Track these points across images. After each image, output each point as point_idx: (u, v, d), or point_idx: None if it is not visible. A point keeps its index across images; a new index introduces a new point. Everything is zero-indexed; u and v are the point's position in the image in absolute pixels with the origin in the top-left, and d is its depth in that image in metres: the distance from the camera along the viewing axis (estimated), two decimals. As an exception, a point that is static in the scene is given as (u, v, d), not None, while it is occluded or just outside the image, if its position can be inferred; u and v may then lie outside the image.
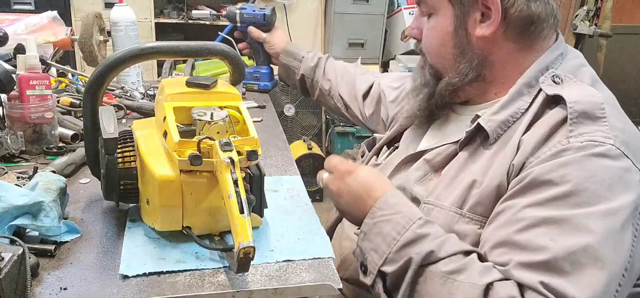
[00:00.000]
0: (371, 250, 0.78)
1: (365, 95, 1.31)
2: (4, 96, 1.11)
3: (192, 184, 0.76)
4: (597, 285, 0.66)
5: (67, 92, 1.41)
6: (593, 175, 0.70)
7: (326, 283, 0.74)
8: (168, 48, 0.86)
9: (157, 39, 3.16)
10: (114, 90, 1.46)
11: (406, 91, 1.12)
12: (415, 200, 0.86)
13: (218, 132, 0.79)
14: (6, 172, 0.99)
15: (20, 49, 1.31)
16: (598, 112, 0.74)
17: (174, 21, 3.34)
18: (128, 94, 1.45)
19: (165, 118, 0.79)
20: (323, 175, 0.90)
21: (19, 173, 0.98)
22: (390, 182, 0.88)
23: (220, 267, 0.75)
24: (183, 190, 0.76)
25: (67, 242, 0.78)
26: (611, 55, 3.56)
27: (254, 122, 0.84)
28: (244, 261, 0.68)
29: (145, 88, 1.52)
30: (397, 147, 1.04)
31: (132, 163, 0.82)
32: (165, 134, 0.79)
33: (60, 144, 1.13)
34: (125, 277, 0.72)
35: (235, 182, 0.71)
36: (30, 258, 0.68)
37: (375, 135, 1.16)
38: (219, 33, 1.60)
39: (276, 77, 1.65)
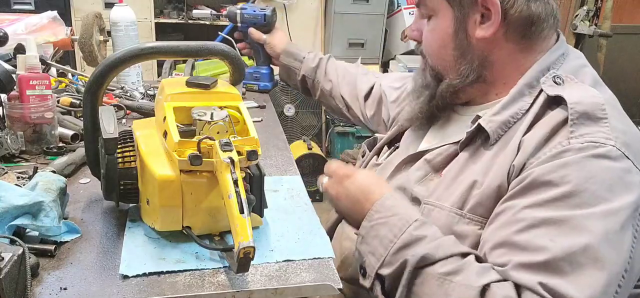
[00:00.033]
0: (369, 253, 0.79)
1: (366, 96, 1.31)
2: (4, 96, 1.11)
3: (192, 184, 0.76)
4: (596, 285, 0.66)
5: (67, 92, 1.41)
6: (593, 176, 0.70)
7: (326, 283, 0.74)
8: (168, 48, 0.86)
9: (157, 39, 3.16)
10: (114, 90, 1.46)
11: (407, 92, 1.12)
12: (416, 201, 0.86)
13: (218, 132, 0.79)
14: (6, 172, 0.99)
15: (20, 49, 1.31)
16: (599, 113, 0.74)
17: (174, 21, 3.34)
18: (128, 94, 1.45)
19: (165, 118, 0.79)
20: (323, 180, 0.91)
21: (19, 173, 0.98)
22: (388, 184, 0.89)
23: (220, 267, 0.75)
24: (183, 190, 0.76)
25: (67, 242, 0.78)
26: (611, 55, 3.57)
27: (254, 122, 0.84)
28: (244, 261, 0.68)
29: (145, 88, 1.52)
30: (397, 147, 1.04)
31: (132, 163, 0.82)
32: (165, 134, 0.79)
33: (60, 144, 1.13)
34: (125, 277, 0.71)
35: (235, 182, 0.71)
36: (30, 258, 0.68)
37: (376, 135, 1.16)
38: (219, 33, 1.60)
39: (276, 77, 1.65)
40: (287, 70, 1.48)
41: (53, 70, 1.47)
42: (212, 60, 1.66)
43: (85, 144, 0.89)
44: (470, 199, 0.79)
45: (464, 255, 0.73)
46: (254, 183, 0.79)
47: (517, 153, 0.76)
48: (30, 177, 0.95)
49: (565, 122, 0.75)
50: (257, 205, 0.81)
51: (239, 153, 0.75)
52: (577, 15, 3.36)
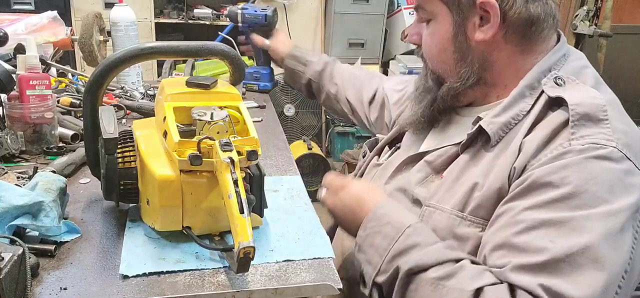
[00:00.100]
0: (366, 262, 0.80)
1: (371, 100, 1.31)
2: (4, 96, 1.11)
3: (192, 184, 0.76)
4: (596, 285, 0.66)
5: (67, 92, 1.41)
6: (593, 178, 0.69)
7: (326, 283, 0.74)
8: (168, 48, 0.86)
9: (157, 39, 3.16)
10: (114, 90, 1.46)
11: (409, 93, 1.12)
12: (417, 203, 0.86)
13: (218, 132, 0.79)
14: (6, 172, 0.99)
15: (20, 49, 1.32)
16: (600, 115, 0.74)
17: (174, 21, 3.34)
18: (128, 94, 1.45)
19: (165, 118, 0.79)
20: (322, 192, 0.92)
21: (19, 173, 0.98)
22: (382, 192, 0.89)
23: (220, 267, 0.75)
24: (183, 190, 0.76)
25: (67, 242, 0.78)
26: (611, 55, 3.57)
27: (254, 122, 0.84)
28: (244, 261, 0.68)
29: (145, 88, 1.52)
30: (398, 148, 1.04)
31: (132, 163, 0.82)
32: (165, 134, 0.79)
33: (60, 144, 1.13)
34: (125, 277, 0.71)
35: (235, 182, 0.71)
36: (30, 258, 0.68)
37: (377, 135, 1.16)
38: (219, 33, 1.60)
39: (276, 77, 1.65)
40: (292, 74, 1.47)
41: (53, 70, 1.47)
42: (212, 60, 1.66)
43: (85, 144, 0.89)
44: (471, 201, 0.79)
45: (457, 260, 0.73)
46: (254, 183, 0.79)
47: (518, 155, 0.76)
48: (30, 177, 0.95)
49: (566, 123, 0.75)
50: (257, 205, 0.81)
51: (239, 153, 0.75)
52: (577, 15, 3.37)
